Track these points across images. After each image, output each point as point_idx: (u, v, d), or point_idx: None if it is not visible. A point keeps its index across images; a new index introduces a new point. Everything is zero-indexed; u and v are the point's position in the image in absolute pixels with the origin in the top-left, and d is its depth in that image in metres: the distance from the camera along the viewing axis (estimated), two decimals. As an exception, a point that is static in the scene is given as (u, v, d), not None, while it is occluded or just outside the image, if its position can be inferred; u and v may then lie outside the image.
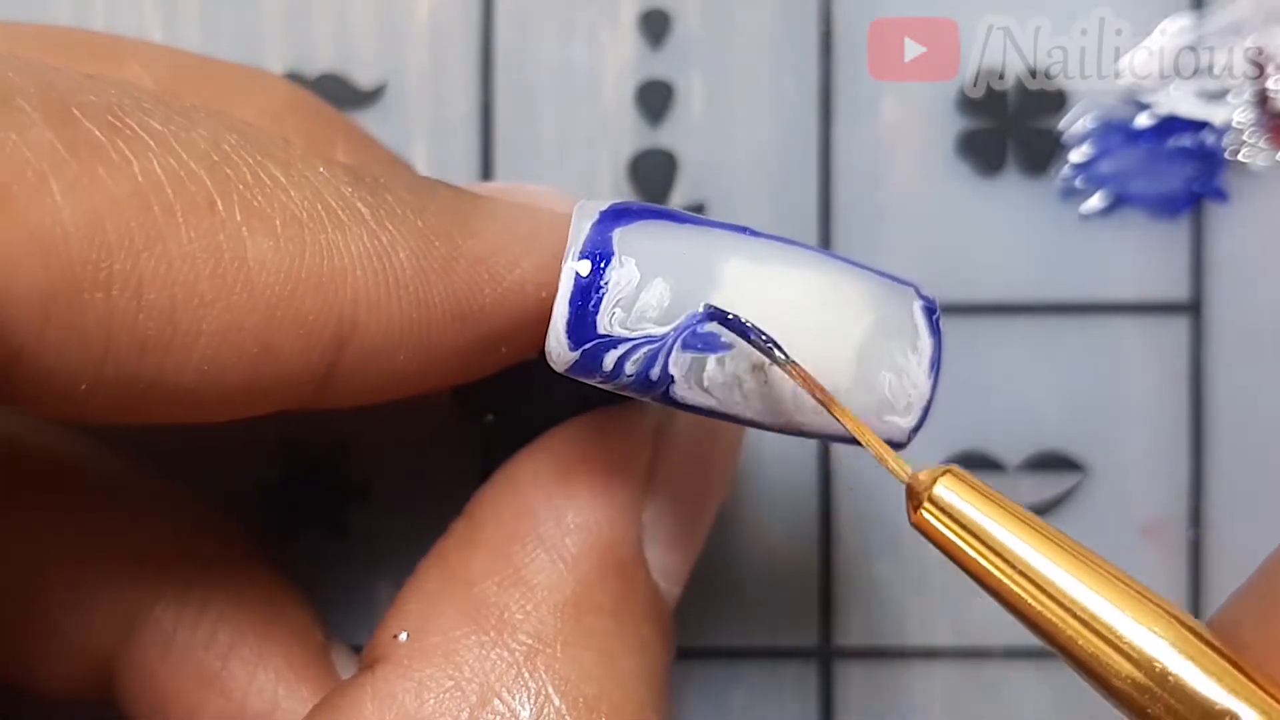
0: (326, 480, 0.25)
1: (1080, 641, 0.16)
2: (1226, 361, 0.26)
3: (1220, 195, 0.26)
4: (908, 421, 0.19)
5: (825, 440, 0.19)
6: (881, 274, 0.19)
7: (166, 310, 0.16)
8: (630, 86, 0.26)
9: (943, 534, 0.17)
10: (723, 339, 0.18)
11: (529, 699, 0.19)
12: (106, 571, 0.21)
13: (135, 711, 0.22)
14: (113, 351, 0.16)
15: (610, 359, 0.18)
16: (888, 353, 0.19)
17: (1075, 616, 0.16)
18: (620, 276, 0.18)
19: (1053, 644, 0.16)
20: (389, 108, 0.25)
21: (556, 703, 0.19)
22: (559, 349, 0.18)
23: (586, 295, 0.18)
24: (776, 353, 0.18)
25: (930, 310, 0.19)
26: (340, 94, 0.25)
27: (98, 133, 0.16)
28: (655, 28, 0.26)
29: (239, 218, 0.16)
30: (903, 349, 0.19)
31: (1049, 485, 0.26)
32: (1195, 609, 0.26)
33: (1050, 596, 0.16)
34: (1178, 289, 0.26)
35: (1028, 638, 0.25)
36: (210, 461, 0.24)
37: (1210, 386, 0.26)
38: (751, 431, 0.23)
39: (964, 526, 0.17)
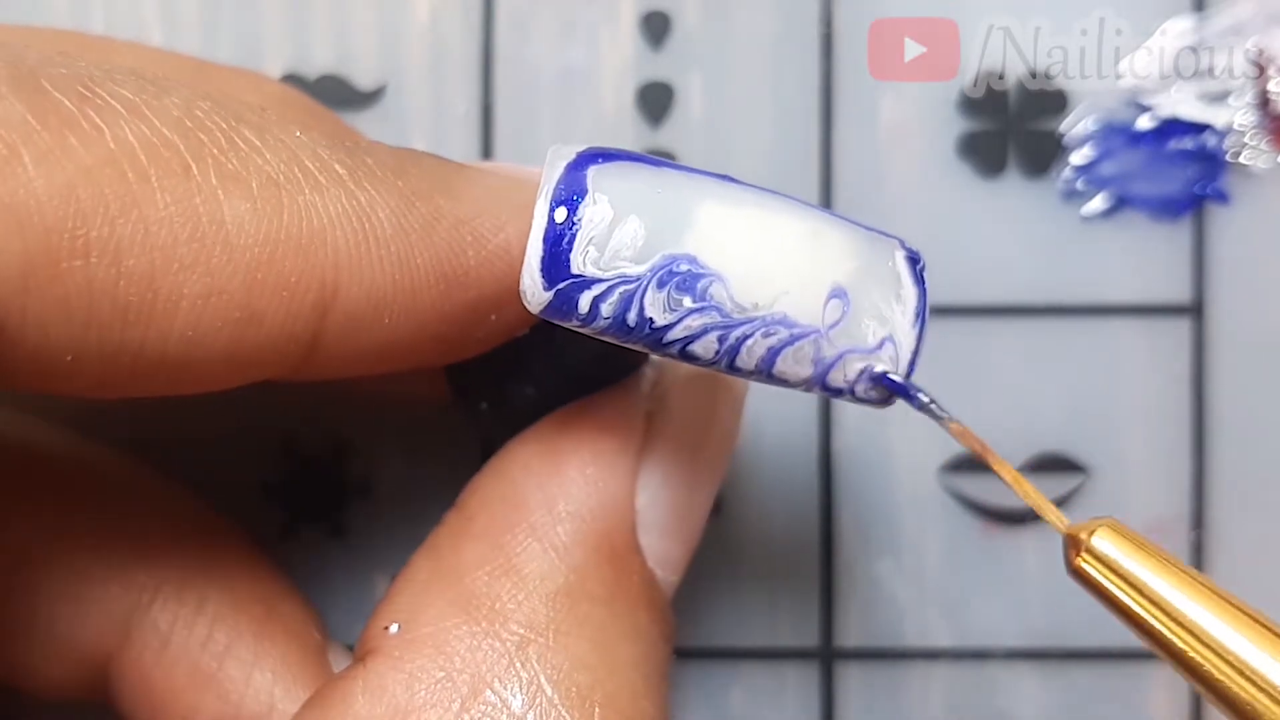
0: (326, 480, 0.25)
1: (1235, 690, 0.17)
2: (1228, 363, 0.26)
3: (1221, 197, 0.26)
4: (895, 373, 0.19)
5: (804, 389, 0.19)
6: (866, 226, 0.19)
7: (146, 276, 0.16)
8: (630, 87, 0.26)
9: (1100, 583, 0.17)
10: (700, 279, 0.18)
11: (521, 689, 0.19)
12: (103, 571, 0.21)
13: (132, 713, 0.22)
14: (95, 321, 0.16)
15: (585, 300, 0.18)
16: (871, 301, 0.19)
17: (1231, 665, 0.17)
18: (594, 214, 0.18)
19: (1209, 691, 0.17)
20: (389, 108, 0.25)
21: (549, 692, 0.19)
22: (533, 288, 0.18)
23: (560, 233, 0.18)
24: (936, 409, 0.18)
25: (914, 260, 0.19)
26: (340, 94, 0.25)
27: (68, 103, 0.16)
28: (655, 28, 0.26)
29: (214, 181, 0.17)
30: (886, 298, 0.19)
31: (1050, 487, 0.26)
32: (1197, 611, 0.26)
33: (1206, 645, 0.17)
34: (1179, 291, 0.26)
35: (1027, 639, 0.25)
36: (210, 461, 0.24)
37: (1212, 388, 0.26)
38: (751, 427, 0.23)
39: (1121, 576, 0.17)
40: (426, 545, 0.20)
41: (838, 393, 0.19)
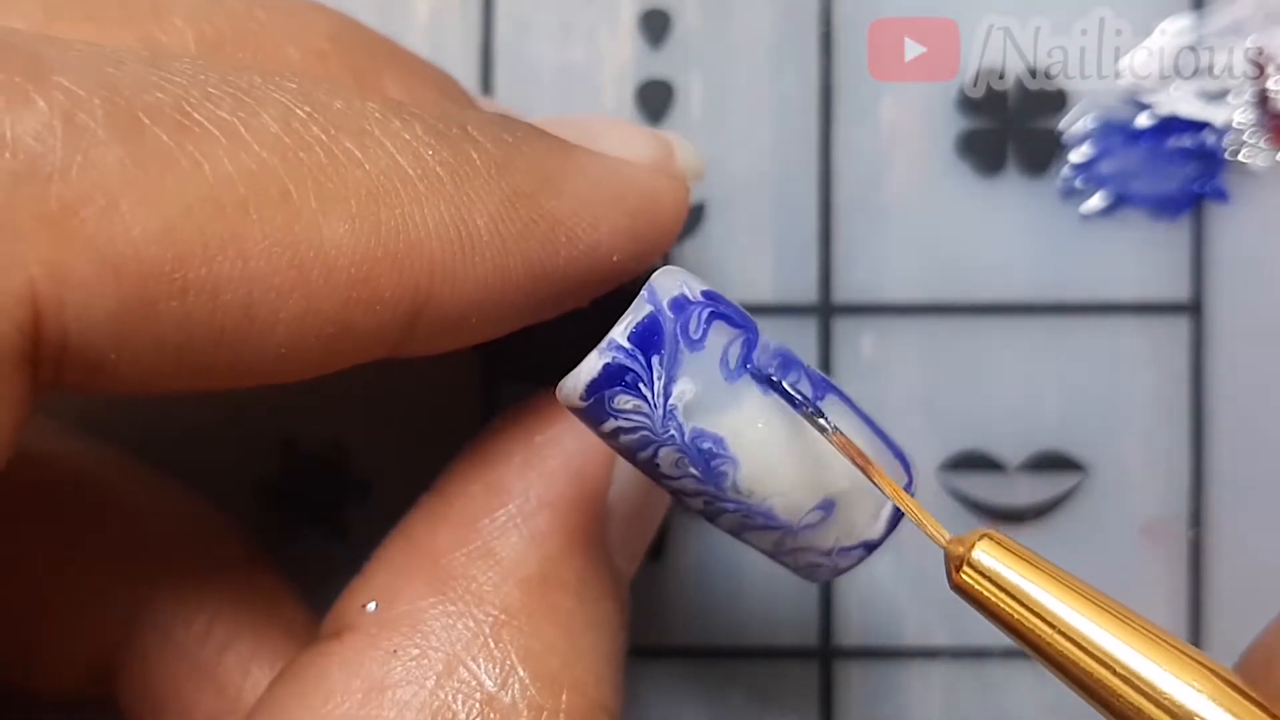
0: (326, 480, 0.25)
1: (1121, 698, 0.17)
2: (1227, 362, 0.26)
3: (1221, 195, 0.26)
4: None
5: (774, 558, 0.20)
6: (887, 440, 0.20)
7: (243, 306, 0.16)
8: (630, 86, 0.26)
9: (983, 596, 0.17)
10: (716, 459, 0.18)
11: (495, 668, 0.19)
12: (104, 571, 0.21)
13: (133, 709, 0.22)
14: (190, 350, 0.16)
15: (610, 425, 0.18)
16: (847, 518, 0.19)
17: (1115, 673, 0.17)
18: (658, 368, 0.18)
19: (1095, 701, 0.17)
20: (389, 108, 0.25)
21: (521, 673, 0.19)
22: (572, 393, 0.18)
23: (621, 369, 0.18)
24: (820, 420, 0.18)
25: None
26: (340, 94, 0.25)
27: (165, 138, 0.16)
28: (655, 28, 0.26)
29: (314, 204, 0.16)
30: (862, 519, 0.20)
31: (1049, 485, 0.26)
32: (1195, 609, 0.26)
33: (1090, 654, 0.17)
34: (1178, 289, 0.26)
35: (1027, 638, 0.25)
36: (210, 461, 0.24)
37: (1211, 386, 0.26)
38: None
39: (1003, 588, 0.17)
40: (403, 526, 0.21)
41: (785, 566, 0.20)
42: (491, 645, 0.19)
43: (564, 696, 0.19)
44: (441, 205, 0.17)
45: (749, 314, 0.19)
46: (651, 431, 0.18)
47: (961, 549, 0.17)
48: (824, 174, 0.26)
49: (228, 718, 0.21)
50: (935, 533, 0.18)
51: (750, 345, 0.19)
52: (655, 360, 0.18)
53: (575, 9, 0.26)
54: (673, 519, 0.25)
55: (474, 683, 0.19)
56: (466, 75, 0.26)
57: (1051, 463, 0.26)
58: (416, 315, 0.17)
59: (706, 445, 0.18)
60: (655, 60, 0.26)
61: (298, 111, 0.17)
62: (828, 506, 0.19)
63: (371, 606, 0.19)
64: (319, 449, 0.25)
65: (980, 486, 0.26)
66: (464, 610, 0.19)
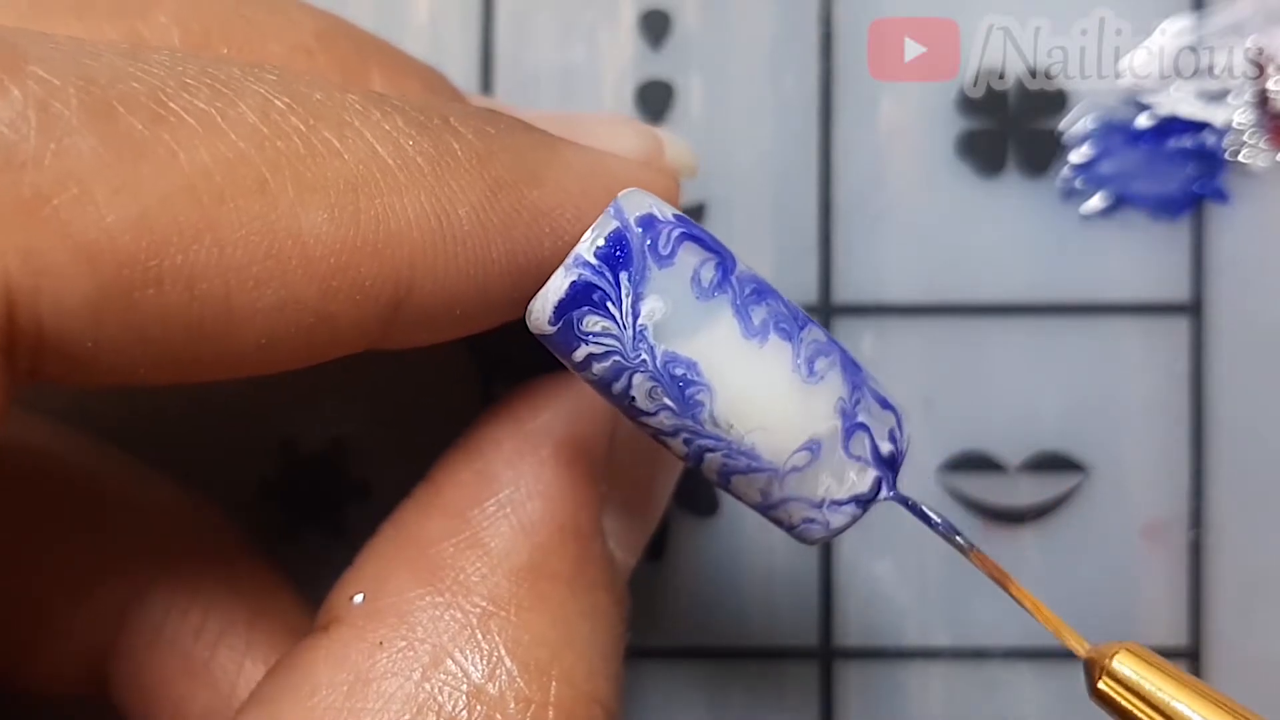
0: (326, 480, 0.25)
1: None
2: (1227, 362, 0.26)
3: (1221, 196, 0.26)
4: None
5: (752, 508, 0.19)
6: (875, 393, 0.19)
7: (221, 296, 0.16)
8: (630, 86, 0.26)
9: (1123, 705, 0.18)
10: (690, 387, 0.18)
11: (481, 660, 0.19)
12: (96, 566, 0.21)
13: (127, 705, 0.22)
14: (168, 340, 0.16)
15: (582, 352, 0.18)
16: (837, 459, 0.19)
17: None
18: (625, 282, 0.18)
19: None
20: (389, 108, 0.25)
21: (508, 664, 0.19)
22: (540, 316, 0.18)
23: (591, 288, 0.18)
24: (957, 539, 0.19)
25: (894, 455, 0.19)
26: (340, 94, 0.25)
27: (140, 127, 0.15)
28: (655, 28, 0.26)
29: (291, 193, 0.16)
30: (853, 463, 0.19)
31: (1049, 486, 0.26)
32: (1196, 611, 0.26)
33: None
34: (1178, 290, 0.26)
35: (1027, 638, 0.25)
36: (210, 461, 0.24)
37: (1211, 387, 0.26)
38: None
39: (1143, 698, 0.18)
40: (394, 517, 0.20)
41: (778, 524, 0.19)
42: (479, 637, 0.19)
43: (553, 688, 0.19)
44: (422, 195, 0.17)
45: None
46: (623, 356, 0.18)
47: (1102, 660, 0.18)
48: (824, 174, 0.26)
49: (221, 713, 0.21)
50: (1076, 644, 0.18)
51: (726, 270, 0.18)
52: (623, 277, 0.18)
53: (575, 9, 0.26)
54: (673, 518, 0.25)
55: (460, 675, 0.18)
56: (466, 75, 0.26)
57: (1051, 463, 0.26)
58: (398, 306, 0.17)
59: (679, 371, 0.18)
60: (655, 60, 0.26)
61: (276, 102, 0.17)
62: (814, 447, 0.18)
63: (359, 598, 0.19)
64: (319, 449, 0.25)
65: (980, 487, 0.26)
66: (451, 601, 0.19)
